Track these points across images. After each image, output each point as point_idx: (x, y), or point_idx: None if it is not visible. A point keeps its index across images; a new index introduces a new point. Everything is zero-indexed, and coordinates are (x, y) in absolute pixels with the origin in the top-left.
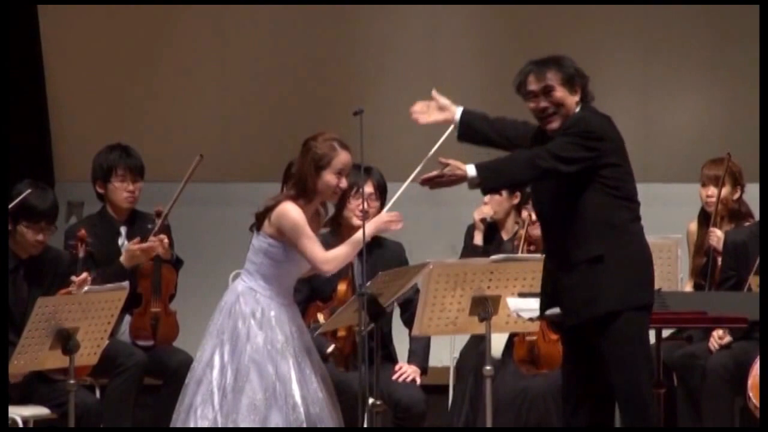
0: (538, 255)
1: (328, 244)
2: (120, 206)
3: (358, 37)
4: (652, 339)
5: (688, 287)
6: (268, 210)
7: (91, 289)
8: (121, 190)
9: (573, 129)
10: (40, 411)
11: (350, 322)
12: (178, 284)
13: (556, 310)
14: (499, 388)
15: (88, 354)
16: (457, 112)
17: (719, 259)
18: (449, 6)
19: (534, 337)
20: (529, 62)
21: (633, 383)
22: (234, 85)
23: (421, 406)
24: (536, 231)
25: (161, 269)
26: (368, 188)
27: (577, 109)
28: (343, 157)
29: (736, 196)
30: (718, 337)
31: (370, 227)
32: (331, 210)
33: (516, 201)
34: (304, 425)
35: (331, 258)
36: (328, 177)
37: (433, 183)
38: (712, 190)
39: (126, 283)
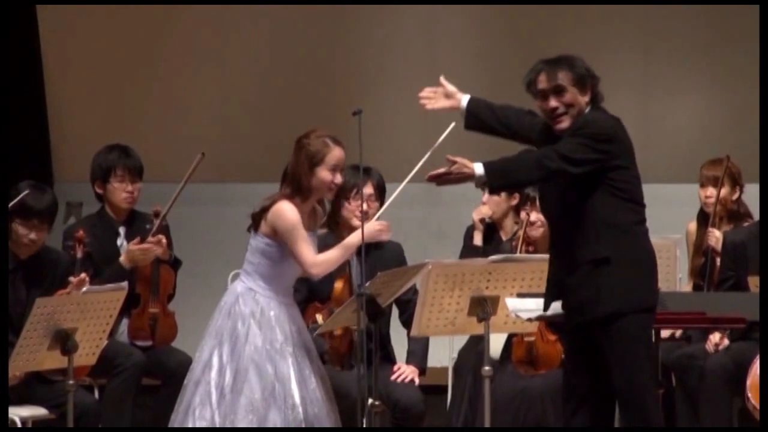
0: (537, 255)
1: (327, 244)
2: (119, 207)
3: (357, 38)
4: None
5: (687, 288)
6: (264, 210)
7: (89, 290)
8: (120, 191)
9: (583, 130)
10: (39, 411)
11: (349, 323)
12: (176, 284)
13: (558, 311)
14: (498, 389)
15: (87, 354)
16: (464, 99)
17: (718, 260)
18: (448, 6)
19: (532, 338)
20: (540, 61)
21: (634, 384)
22: (233, 85)
23: (420, 407)
24: (535, 232)
25: (159, 269)
26: (368, 189)
27: (587, 110)
28: (336, 153)
29: (735, 196)
30: (714, 344)
31: (356, 237)
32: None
33: (515, 202)
34: (303, 425)
35: (320, 262)
36: (323, 173)
37: (440, 180)
38: (711, 191)
39: (125, 284)
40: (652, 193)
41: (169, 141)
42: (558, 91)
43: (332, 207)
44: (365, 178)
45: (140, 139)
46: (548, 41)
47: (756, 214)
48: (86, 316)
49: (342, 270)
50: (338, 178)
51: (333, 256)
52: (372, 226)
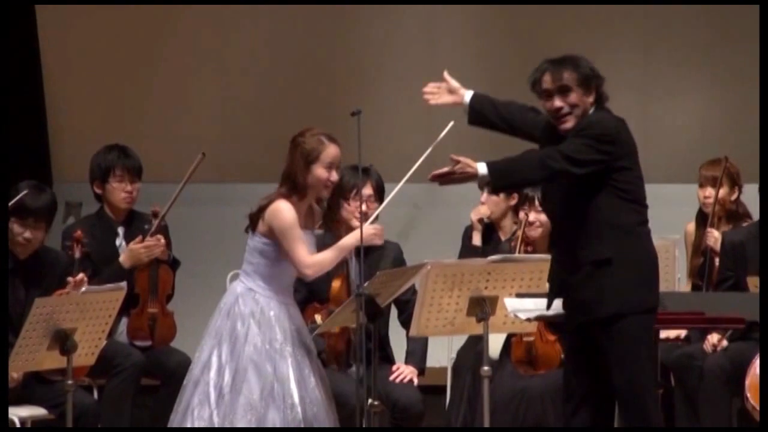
0: (536, 255)
1: (326, 245)
2: (118, 207)
3: (357, 38)
4: None
5: (686, 288)
6: (261, 210)
7: (88, 290)
8: (119, 191)
9: (587, 131)
10: (38, 411)
11: (348, 323)
12: (175, 285)
13: (557, 311)
14: (497, 389)
15: (86, 354)
16: (467, 95)
17: (717, 260)
18: (447, 6)
19: (531, 338)
20: (545, 60)
21: (634, 385)
22: (232, 85)
23: (419, 407)
24: (533, 232)
25: (158, 270)
26: (367, 190)
27: (592, 110)
28: (332, 150)
29: (734, 197)
30: (712, 344)
31: (351, 239)
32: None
33: (513, 202)
34: (302, 425)
35: (314, 263)
36: (319, 171)
37: (443, 180)
38: (710, 191)
39: (124, 284)
40: (651, 193)
41: (168, 141)
42: (563, 91)
43: (328, 206)
44: (364, 179)
45: (140, 139)
46: (548, 41)
47: (755, 215)
48: (85, 316)
49: (340, 269)
50: (334, 176)
51: (327, 257)
52: (367, 230)
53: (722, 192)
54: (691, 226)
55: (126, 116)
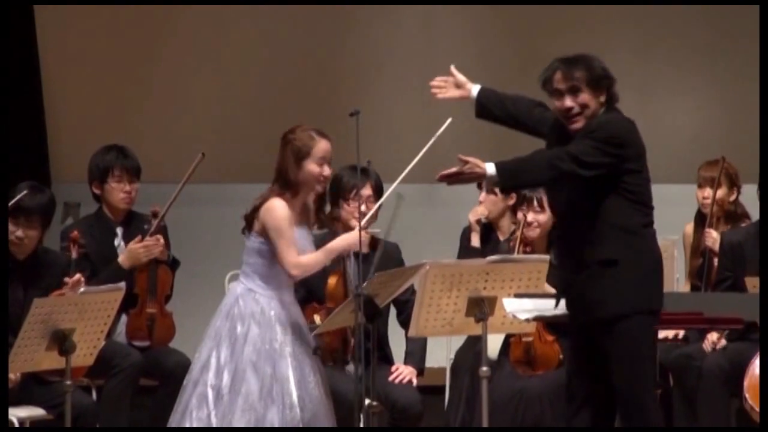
0: (535, 256)
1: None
2: (116, 207)
3: (355, 38)
4: None
5: (685, 288)
6: (256, 209)
7: (87, 290)
8: (118, 191)
9: (596, 133)
10: (37, 412)
11: (347, 323)
12: (174, 285)
13: (557, 311)
14: (496, 389)
15: (85, 355)
16: (474, 89)
17: (715, 260)
18: (446, 6)
19: (530, 338)
20: (556, 59)
21: (635, 385)
22: (232, 85)
23: (418, 407)
24: (532, 233)
25: (157, 270)
26: (367, 190)
27: (602, 111)
28: (323, 145)
29: (733, 197)
30: (712, 342)
31: (341, 243)
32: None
33: (511, 202)
34: (301, 425)
35: (302, 263)
36: (311, 166)
37: (451, 180)
38: (709, 192)
39: (122, 284)
40: None
41: (167, 141)
42: (574, 91)
43: (318, 205)
44: (364, 179)
45: (139, 140)
46: (547, 41)
47: (753, 215)
48: (84, 316)
49: (336, 266)
50: (327, 170)
51: (314, 258)
52: (355, 237)
53: (721, 192)
54: (690, 227)
55: (125, 116)
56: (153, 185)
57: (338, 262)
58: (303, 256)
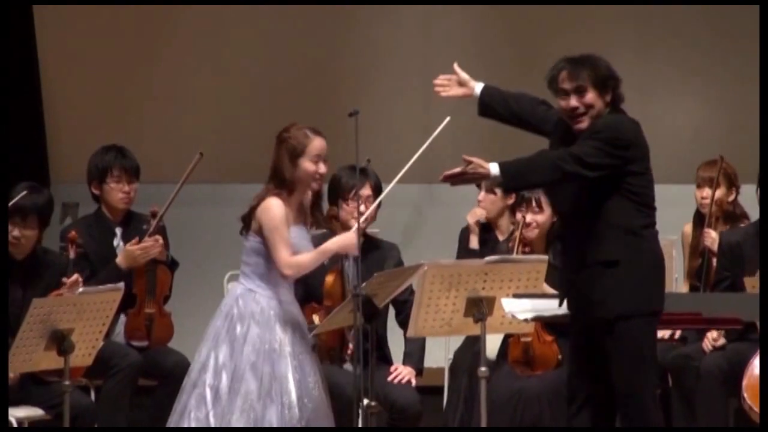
0: (533, 256)
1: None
2: (115, 207)
3: (355, 38)
4: None
5: (683, 288)
6: (253, 210)
7: (86, 290)
8: (117, 191)
9: (601, 134)
10: (35, 412)
11: (346, 323)
12: (173, 285)
13: (556, 311)
14: (494, 389)
15: (83, 355)
16: (477, 87)
17: (714, 261)
18: (445, 6)
19: (529, 338)
20: (562, 59)
21: (635, 386)
22: (230, 85)
23: (417, 407)
24: (530, 233)
25: (156, 270)
26: (366, 191)
27: (607, 111)
28: (317, 143)
29: (731, 197)
30: (713, 339)
31: (333, 245)
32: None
33: (510, 201)
34: (300, 425)
35: (293, 263)
36: (306, 164)
37: (455, 180)
38: (707, 192)
39: (121, 284)
40: None
41: (165, 142)
42: (579, 91)
43: (313, 203)
44: (363, 180)
45: (137, 140)
46: (546, 42)
47: (752, 215)
48: (82, 316)
49: (334, 264)
50: (322, 168)
51: (307, 259)
52: (349, 239)
53: (719, 192)
54: (689, 227)
55: (124, 117)
56: (152, 185)
57: (336, 261)
58: (296, 256)
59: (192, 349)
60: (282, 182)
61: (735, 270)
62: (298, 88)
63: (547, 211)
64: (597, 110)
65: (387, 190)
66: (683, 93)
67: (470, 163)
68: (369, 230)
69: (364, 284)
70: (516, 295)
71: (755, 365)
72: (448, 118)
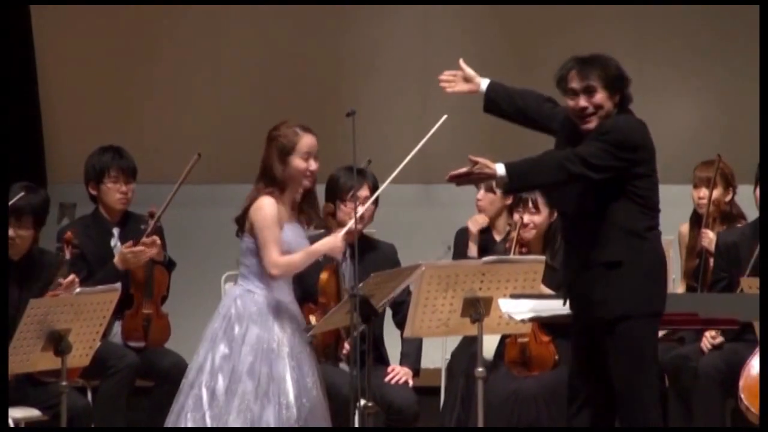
0: (530, 257)
1: None
2: (113, 208)
3: (354, 39)
4: None
5: (680, 289)
6: (246, 210)
7: (83, 291)
8: (114, 192)
9: (608, 136)
10: (32, 413)
11: (342, 324)
12: (170, 286)
13: (554, 312)
14: (491, 390)
15: (80, 356)
16: (483, 83)
17: (711, 261)
18: (443, 6)
19: (526, 339)
20: (572, 58)
21: (635, 387)
22: (228, 86)
23: (414, 408)
24: (528, 234)
25: (153, 271)
26: (364, 191)
27: (615, 112)
28: (307, 140)
29: (728, 197)
30: (711, 337)
31: (322, 246)
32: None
33: (509, 202)
34: (298, 425)
35: (281, 263)
36: (296, 162)
37: (461, 180)
38: (704, 192)
39: (118, 285)
40: None
41: (162, 142)
42: (589, 91)
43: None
44: (361, 180)
45: (135, 140)
46: (545, 41)
47: (749, 216)
48: (80, 317)
49: (329, 261)
50: (313, 165)
51: (295, 259)
52: (335, 242)
53: (716, 193)
54: (685, 227)
55: (121, 117)
56: (152, 186)
57: (332, 258)
58: (284, 256)
59: (189, 350)
60: (272, 181)
61: (732, 270)
62: (297, 88)
63: (544, 212)
64: (606, 111)
65: (382, 187)
66: (681, 93)
67: (476, 163)
68: (366, 230)
69: (361, 285)
70: (513, 296)
71: (752, 366)
72: (444, 117)
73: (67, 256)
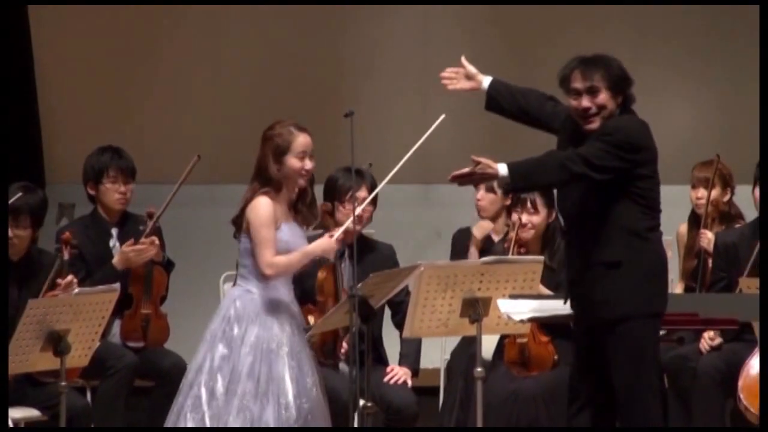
0: (529, 257)
1: None
2: (112, 208)
3: (353, 39)
4: None
5: (679, 289)
6: (243, 211)
7: (82, 291)
8: (113, 192)
9: (611, 137)
10: (31, 413)
11: (341, 324)
12: (169, 286)
13: (553, 312)
14: (490, 390)
15: (79, 356)
16: (485, 81)
17: (710, 261)
18: (442, 7)
19: (524, 339)
20: (575, 58)
21: (635, 387)
22: (227, 86)
23: (413, 408)
24: (526, 234)
25: (152, 271)
26: (363, 192)
27: (617, 112)
28: (302, 139)
29: (726, 198)
30: (710, 338)
31: (316, 248)
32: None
33: (508, 202)
34: (297, 425)
35: (275, 263)
36: (292, 161)
37: (463, 180)
38: (703, 192)
39: (117, 285)
40: None
41: (162, 142)
42: (592, 91)
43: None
44: (360, 181)
45: (134, 140)
46: (544, 42)
47: (748, 216)
48: (79, 317)
49: (326, 259)
50: (308, 164)
51: (290, 260)
52: (327, 244)
53: (715, 193)
54: (684, 228)
55: (120, 117)
56: (151, 186)
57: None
58: (279, 257)
59: (188, 350)
60: (267, 181)
61: (731, 271)
62: (296, 88)
63: (543, 212)
64: (609, 111)
65: (380, 187)
66: (680, 93)
67: (479, 163)
68: (365, 231)
69: (359, 285)
70: (512, 296)
71: (751, 366)
72: (443, 116)
73: (66, 256)
